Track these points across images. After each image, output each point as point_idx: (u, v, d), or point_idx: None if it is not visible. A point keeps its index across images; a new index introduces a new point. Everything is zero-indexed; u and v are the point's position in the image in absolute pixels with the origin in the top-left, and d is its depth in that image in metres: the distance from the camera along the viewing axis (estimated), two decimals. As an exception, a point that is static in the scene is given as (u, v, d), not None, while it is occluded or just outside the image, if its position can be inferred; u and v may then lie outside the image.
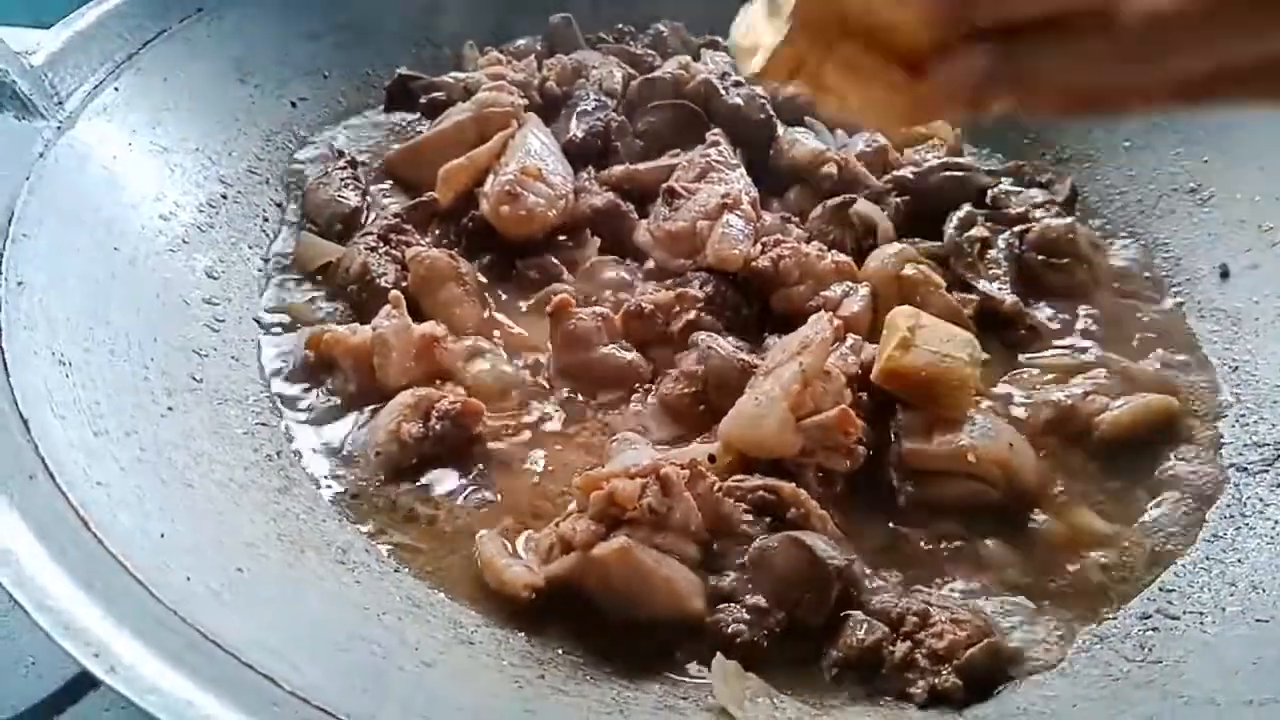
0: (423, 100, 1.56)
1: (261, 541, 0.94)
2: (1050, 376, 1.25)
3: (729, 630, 0.94)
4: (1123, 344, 1.32)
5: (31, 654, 1.09)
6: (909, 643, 0.94)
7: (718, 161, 1.40)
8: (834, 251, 1.30)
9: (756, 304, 1.28)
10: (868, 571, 1.01)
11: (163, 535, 0.85)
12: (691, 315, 1.23)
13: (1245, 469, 1.16)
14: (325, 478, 1.08)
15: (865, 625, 0.96)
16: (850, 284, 1.26)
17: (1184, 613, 1.00)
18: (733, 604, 0.96)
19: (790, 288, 1.26)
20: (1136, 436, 1.18)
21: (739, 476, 1.04)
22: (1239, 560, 1.05)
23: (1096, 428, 1.17)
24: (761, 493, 1.02)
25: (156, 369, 1.07)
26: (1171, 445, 1.19)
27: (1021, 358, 1.28)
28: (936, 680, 0.92)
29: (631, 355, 1.22)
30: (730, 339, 1.20)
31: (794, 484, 1.03)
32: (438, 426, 1.09)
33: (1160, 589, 1.05)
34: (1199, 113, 1.43)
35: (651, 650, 0.95)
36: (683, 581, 0.96)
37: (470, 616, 0.96)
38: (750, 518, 1.01)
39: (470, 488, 1.09)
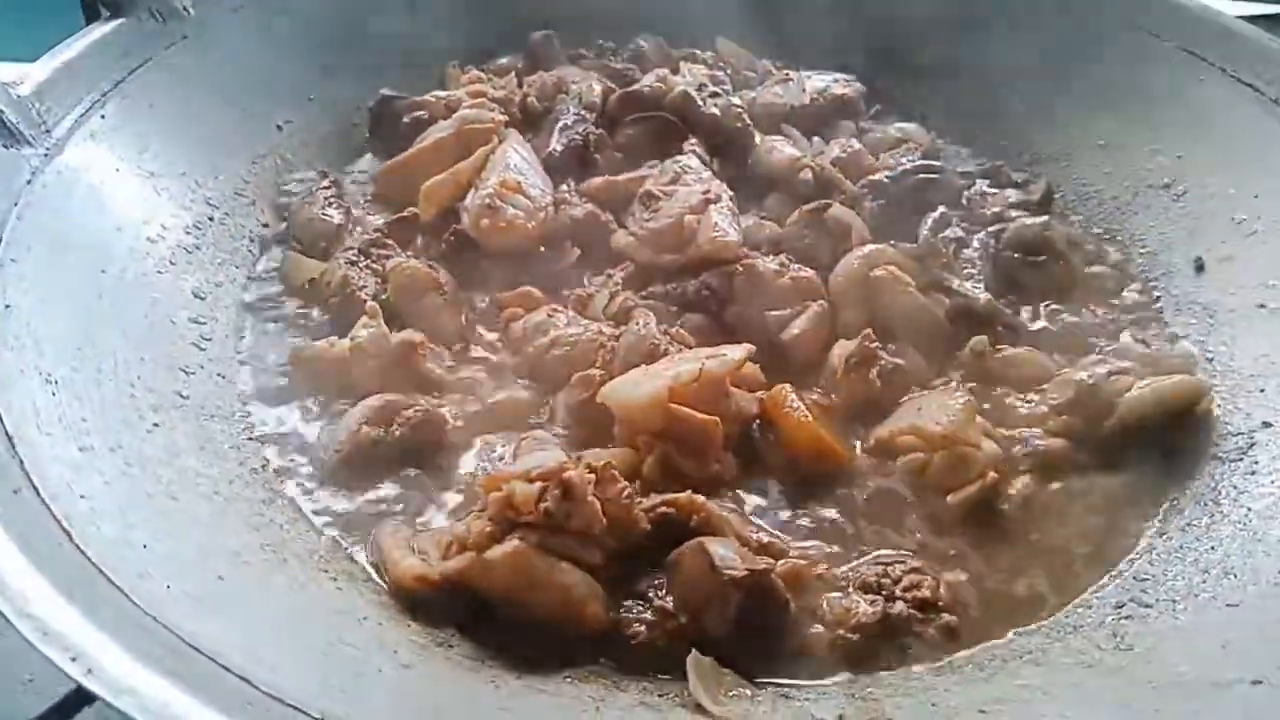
0: (406, 119, 1.58)
1: (244, 550, 0.96)
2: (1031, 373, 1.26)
3: (628, 631, 0.95)
4: (1100, 338, 1.33)
5: (29, 670, 1.11)
6: (899, 601, 0.98)
7: (689, 167, 1.42)
8: (797, 267, 1.30)
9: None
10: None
11: (145, 546, 0.87)
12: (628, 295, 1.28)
13: (1220, 458, 1.17)
14: (307, 488, 1.10)
15: (853, 599, 0.98)
16: (808, 302, 1.27)
17: (1156, 600, 1.02)
18: (640, 604, 0.96)
19: (741, 306, 1.27)
20: (1152, 418, 1.18)
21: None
22: (1212, 548, 1.06)
23: (1116, 409, 1.18)
24: (661, 508, 1.01)
25: (143, 386, 1.09)
26: (1150, 434, 1.19)
27: (999, 356, 1.27)
28: (938, 622, 0.98)
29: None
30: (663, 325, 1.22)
31: (690, 493, 1.02)
32: (397, 432, 1.11)
33: (1135, 578, 1.06)
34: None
35: (632, 651, 0.95)
36: (578, 586, 0.94)
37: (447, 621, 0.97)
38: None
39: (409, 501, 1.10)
